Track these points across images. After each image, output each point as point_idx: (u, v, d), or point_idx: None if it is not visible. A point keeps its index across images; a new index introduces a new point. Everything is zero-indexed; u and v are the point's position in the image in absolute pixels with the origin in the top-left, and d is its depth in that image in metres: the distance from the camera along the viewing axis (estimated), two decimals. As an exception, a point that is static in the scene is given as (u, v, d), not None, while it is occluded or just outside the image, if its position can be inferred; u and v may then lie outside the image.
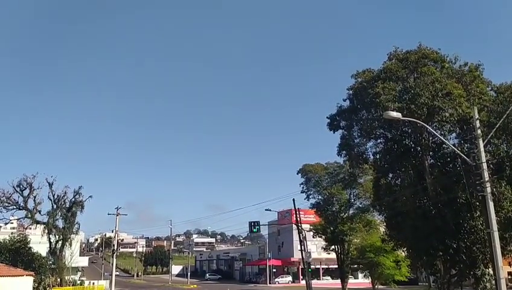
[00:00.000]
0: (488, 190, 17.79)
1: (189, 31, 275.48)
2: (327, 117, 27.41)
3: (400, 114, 19.23)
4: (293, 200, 50.82)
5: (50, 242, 43.11)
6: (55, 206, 43.79)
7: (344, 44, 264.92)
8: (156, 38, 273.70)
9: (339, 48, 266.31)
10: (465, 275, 23.87)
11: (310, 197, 50.44)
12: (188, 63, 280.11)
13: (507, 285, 18.49)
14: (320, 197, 49.96)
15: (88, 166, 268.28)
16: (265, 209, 58.60)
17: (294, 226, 53.18)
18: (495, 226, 17.51)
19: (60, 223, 44.15)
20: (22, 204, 42.58)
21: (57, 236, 43.36)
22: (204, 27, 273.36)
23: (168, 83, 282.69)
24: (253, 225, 48.29)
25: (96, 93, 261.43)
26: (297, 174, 51.41)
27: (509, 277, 57.05)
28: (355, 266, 48.60)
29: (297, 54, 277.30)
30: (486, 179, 17.89)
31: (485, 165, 18.10)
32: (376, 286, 45.00)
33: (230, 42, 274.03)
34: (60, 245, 43.25)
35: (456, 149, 20.44)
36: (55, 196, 43.91)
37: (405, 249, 29.07)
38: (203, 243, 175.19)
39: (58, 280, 42.47)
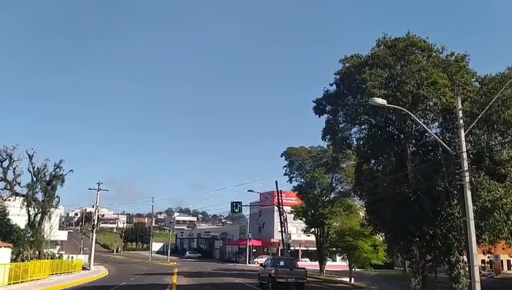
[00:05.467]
0: (467, 179, 18.13)
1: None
2: (313, 101, 27.42)
3: (385, 101, 19.34)
4: (276, 182, 51.41)
5: (29, 215, 42.72)
6: (34, 179, 43.29)
7: (334, 29, 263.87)
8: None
9: (328, 32, 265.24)
10: (439, 261, 24.43)
11: (293, 179, 51.05)
12: (174, 42, 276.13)
13: (480, 272, 19.01)
14: (302, 180, 50.51)
15: (70, 140, 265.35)
16: (248, 190, 59.27)
17: (275, 207, 53.71)
18: (471, 215, 17.91)
19: (40, 196, 43.75)
20: (1, 175, 42.02)
21: (36, 209, 42.94)
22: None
23: (156, 61, 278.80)
24: (235, 205, 48.68)
25: (82, 67, 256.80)
26: (281, 156, 51.88)
27: (482, 265, 58.79)
28: (334, 249, 49.39)
29: (284, 36, 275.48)
30: (466, 168, 18.22)
31: (465, 155, 18.41)
32: (353, 269, 45.84)
33: (222, 21, 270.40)
34: (39, 218, 42.87)
35: (437, 138, 20.72)
36: (35, 169, 43.37)
37: (383, 234, 29.59)
38: (184, 222, 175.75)
39: (37, 252, 42.22)
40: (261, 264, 35.03)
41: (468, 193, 18.06)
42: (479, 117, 19.33)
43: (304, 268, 30.62)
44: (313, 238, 53.39)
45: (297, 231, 64.18)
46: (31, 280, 30.17)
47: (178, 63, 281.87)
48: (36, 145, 55.06)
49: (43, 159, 44.48)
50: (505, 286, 47.97)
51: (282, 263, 30.03)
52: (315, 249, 55.21)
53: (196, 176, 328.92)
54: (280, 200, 49.54)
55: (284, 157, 51.65)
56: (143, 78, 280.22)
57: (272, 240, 76.93)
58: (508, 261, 69.55)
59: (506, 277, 60.89)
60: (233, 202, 48.63)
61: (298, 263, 64.94)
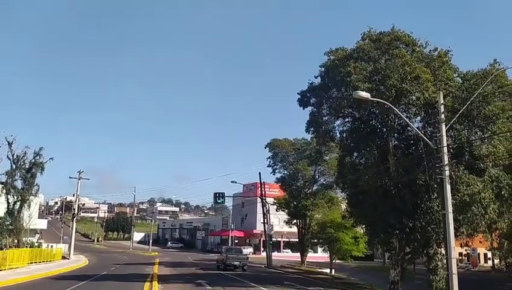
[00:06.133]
0: (447, 173, 18.44)
1: None
2: (298, 93, 27.48)
3: (369, 94, 19.51)
4: (259, 173, 51.72)
5: (8, 203, 41.99)
6: (14, 166, 42.52)
7: (319, 21, 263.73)
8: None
9: (315, 24, 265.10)
10: (418, 253, 24.87)
11: (276, 171, 51.35)
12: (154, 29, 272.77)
13: (457, 265, 19.39)
14: (286, 172, 50.75)
15: (50, 128, 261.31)
16: (231, 181, 59.56)
17: (258, 199, 53.84)
18: (450, 208, 18.24)
19: (19, 184, 42.97)
20: (-21, 162, 41.18)
21: (15, 197, 42.18)
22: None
23: (136, 46, 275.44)
24: (218, 196, 48.69)
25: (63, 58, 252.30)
26: (265, 148, 52.03)
27: (460, 258, 60.08)
28: (315, 240, 49.95)
29: (271, 25, 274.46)
30: (446, 162, 18.52)
31: (445, 149, 18.71)
32: (334, 261, 46.38)
33: (208, 9, 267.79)
34: (18, 206, 42.16)
35: (419, 132, 21.00)
36: (15, 156, 42.50)
37: (364, 226, 29.92)
38: (166, 212, 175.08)
39: (16, 241, 41.65)
40: (219, 252, 44.92)
41: (448, 187, 18.37)
42: (460, 112, 19.61)
43: (246, 255, 42.94)
44: (295, 229, 53.76)
45: (279, 223, 64.50)
46: (10, 268, 29.77)
47: (159, 51, 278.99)
48: (16, 132, 54.04)
49: (22, 147, 43.63)
50: (481, 278, 49.11)
51: (231, 251, 41.08)
52: (297, 240, 55.61)
53: (179, 166, 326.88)
54: (263, 192, 49.69)
55: (267, 148, 51.80)
56: (124, 67, 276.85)
57: (254, 231, 77.22)
58: (485, 255, 71.10)
59: (482, 270, 62.37)
60: (216, 193, 48.66)
61: (280, 253, 66.63)
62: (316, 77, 26.49)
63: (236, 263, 38.15)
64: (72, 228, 53.66)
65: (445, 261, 19.71)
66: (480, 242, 44.26)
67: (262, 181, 51.27)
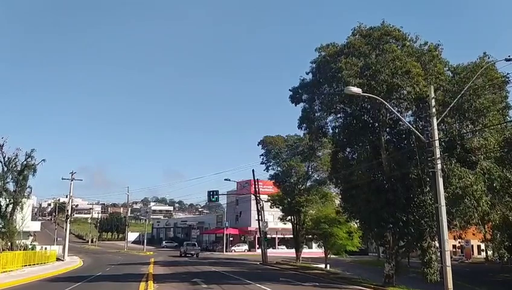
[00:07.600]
0: (439, 166, 18.58)
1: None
2: (290, 90, 27.51)
3: (360, 90, 19.59)
4: (253, 171, 51.59)
5: (0, 205, 41.77)
6: (5, 169, 42.23)
7: (311, 17, 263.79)
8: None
9: (306, 20, 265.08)
10: (412, 246, 25.00)
11: (270, 168, 51.26)
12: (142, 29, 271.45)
13: (451, 257, 19.55)
14: (279, 168, 50.72)
15: (41, 129, 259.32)
16: (225, 179, 59.29)
17: (252, 196, 53.83)
18: (443, 201, 18.38)
19: (11, 187, 42.75)
20: (-30, 165, 40.90)
21: (7, 199, 41.96)
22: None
23: (129, 48, 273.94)
24: (212, 194, 48.59)
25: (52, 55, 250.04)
26: (258, 145, 51.94)
27: (453, 250, 60.57)
28: (310, 236, 50.02)
29: (262, 24, 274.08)
30: (438, 156, 18.65)
31: (437, 143, 18.85)
32: (328, 256, 46.57)
33: (196, 7, 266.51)
34: (10, 209, 41.94)
35: (411, 126, 21.12)
36: (6, 158, 42.28)
37: (358, 221, 30.04)
38: (160, 211, 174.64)
39: (9, 244, 41.44)
40: (182, 246, 64.43)
41: (440, 180, 18.50)
42: (451, 106, 19.73)
43: (199, 247, 65.25)
44: (289, 226, 53.81)
45: (274, 219, 64.63)
46: (4, 272, 29.53)
47: (153, 51, 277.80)
48: (6, 134, 53.45)
49: (13, 149, 43.33)
50: (475, 270, 49.62)
51: (189, 245, 63.31)
52: (291, 236, 55.70)
53: (172, 165, 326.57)
54: (257, 189, 49.69)
55: (260, 146, 51.78)
56: (116, 65, 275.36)
57: (249, 229, 77.31)
58: (478, 246, 71.81)
59: (476, 262, 63.04)
60: (210, 191, 48.55)
61: (275, 250, 67.17)
62: (307, 73, 26.56)
63: (192, 252, 59.49)
64: (65, 230, 53.37)
65: (439, 254, 19.87)
66: (474, 234, 44.52)
67: (255, 178, 51.28)
